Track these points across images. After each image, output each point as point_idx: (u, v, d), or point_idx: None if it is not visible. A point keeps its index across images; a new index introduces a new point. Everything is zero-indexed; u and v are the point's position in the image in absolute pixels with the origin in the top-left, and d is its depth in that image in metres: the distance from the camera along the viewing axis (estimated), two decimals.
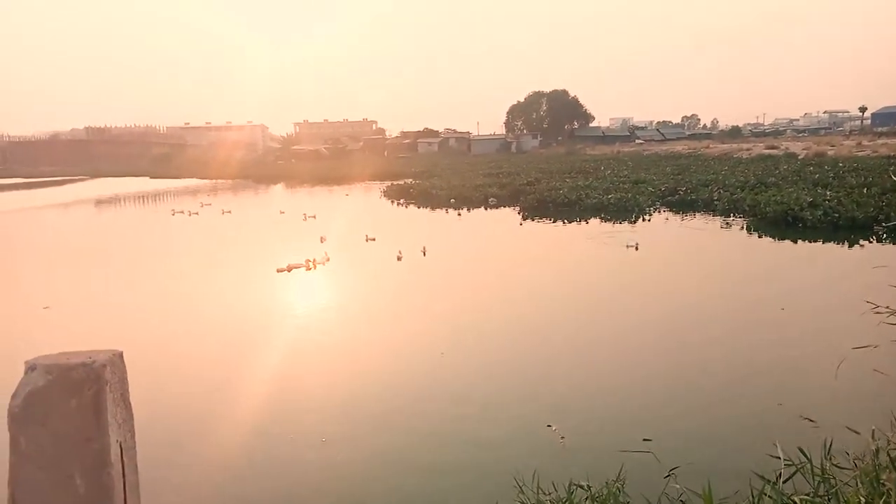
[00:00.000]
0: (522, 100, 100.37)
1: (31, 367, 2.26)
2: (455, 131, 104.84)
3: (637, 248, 14.60)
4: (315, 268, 13.79)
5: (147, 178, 63.50)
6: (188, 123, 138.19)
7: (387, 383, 7.23)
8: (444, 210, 26.23)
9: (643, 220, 20.69)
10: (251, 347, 8.66)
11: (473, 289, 11.95)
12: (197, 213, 27.42)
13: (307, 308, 10.78)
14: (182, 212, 27.82)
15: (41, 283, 13.58)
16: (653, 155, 52.44)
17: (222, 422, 6.36)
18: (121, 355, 2.45)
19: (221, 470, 5.45)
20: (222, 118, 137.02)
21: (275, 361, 8.01)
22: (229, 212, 27.83)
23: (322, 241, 17.23)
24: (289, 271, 13.45)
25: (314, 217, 23.53)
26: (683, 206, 22.98)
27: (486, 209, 26.42)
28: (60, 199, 40.52)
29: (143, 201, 36.66)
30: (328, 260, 14.35)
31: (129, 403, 2.48)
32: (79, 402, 2.22)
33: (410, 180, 39.17)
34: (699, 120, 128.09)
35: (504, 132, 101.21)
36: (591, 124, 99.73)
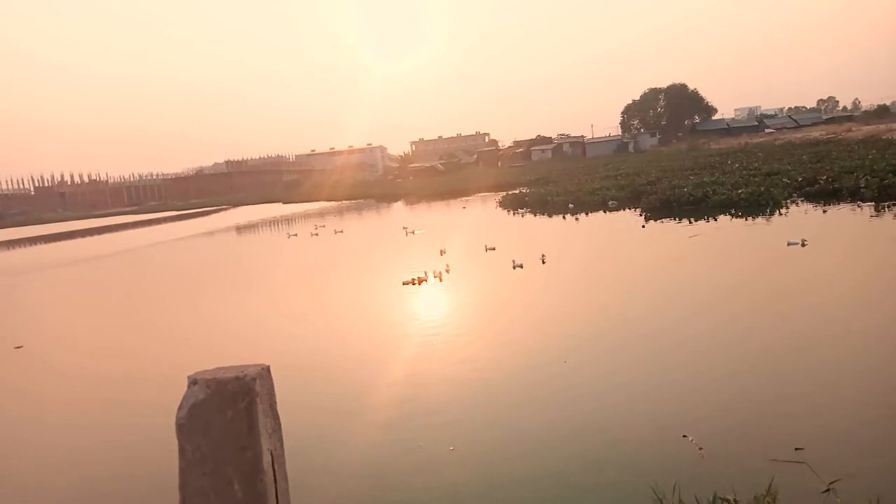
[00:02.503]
0: (637, 98, 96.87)
1: (192, 382, 2.51)
2: (569, 136, 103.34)
3: (803, 245, 13.07)
4: (440, 279, 14.09)
5: (280, 204, 68.00)
6: (314, 150, 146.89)
7: (511, 392, 7.22)
8: (561, 216, 25.86)
9: (779, 213, 19.20)
10: (380, 359, 8.98)
11: (596, 295, 11.66)
12: (317, 234, 28.99)
13: (431, 319, 11.01)
14: (316, 233, 29.52)
15: (194, 303, 14.94)
16: (786, 144, 48.52)
17: (357, 430, 6.65)
18: (268, 369, 2.65)
19: (357, 477, 5.68)
20: (344, 143, 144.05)
21: (403, 372, 8.25)
22: (341, 231, 29.23)
23: (442, 254, 17.58)
24: (413, 284, 13.85)
25: (424, 231, 24.09)
26: (825, 196, 21.03)
27: (605, 212, 25.72)
28: (207, 227, 44.45)
29: (277, 225, 39.31)
30: (448, 271, 14.62)
31: (277, 414, 2.68)
32: (234, 414, 2.43)
33: (525, 189, 39.02)
34: (837, 102, 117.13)
35: (620, 133, 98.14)
36: (714, 117, 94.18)
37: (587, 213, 25.68)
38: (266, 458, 2.43)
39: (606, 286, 12.27)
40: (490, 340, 9.48)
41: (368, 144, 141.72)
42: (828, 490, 3.64)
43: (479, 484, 5.32)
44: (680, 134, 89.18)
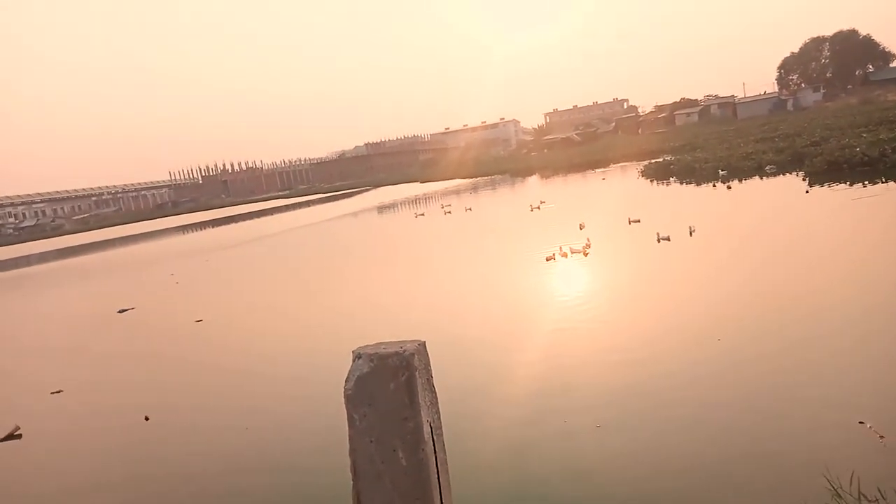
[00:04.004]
0: (797, 50, 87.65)
1: (357, 356, 2.68)
2: (717, 97, 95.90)
3: None
4: (585, 254, 13.85)
5: (417, 183, 70.04)
6: (448, 128, 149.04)
7: (660, 371, 6.94)
8: (710, 184, 24.23)
9: None
10: (524, 335, 9.03)
11: (752, 269, 10.83)
12: (450, 212, 29.47)
13: (574, 295, 10.85)
14: (449, 211, 30.13)
15: (349, 280, 15.91)
16: None
17: (503, 405, 6.76)
18: (424, 345, 2.77)
19: (504, 451, 5.79)
20: (477, 119, 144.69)
21: (547, 348, 8.23)
22: (470, 209, 29.42)
23: (581, 228, 17.21)
24: (552, 259, 13.73)
25: (553, 204, 23.60)
26: None
27: (760, 178, 23.73)
28: (351, 208, 46.93)
29: (415, 204, 40.56)
30: (589, 246, 14.28)
31: (434, 388, 2.79)
32: (395, 386, 2.56)
33: (669, 156, 36.95)
34: None
35: (776, 90, 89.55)
36: (893, 65, 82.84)
37: (740, 180, 23.84)
38: (426, 428, 2.54)
39: (764, 260, 11.35)
40: (636, 317, 9.17)
41: (501, 119, 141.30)
42: None
43: (626, 466, 5.20)
44: (849, 87, 79.61)
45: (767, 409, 5.72)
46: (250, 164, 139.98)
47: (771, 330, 7.69)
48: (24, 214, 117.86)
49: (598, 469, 5.21)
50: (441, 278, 14.45)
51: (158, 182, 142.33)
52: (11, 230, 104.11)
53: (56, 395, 9.62)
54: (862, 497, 3.50)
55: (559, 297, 10.95)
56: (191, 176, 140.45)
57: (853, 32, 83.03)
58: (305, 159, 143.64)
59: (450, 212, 29.75)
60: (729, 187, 22.56)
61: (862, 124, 31.18)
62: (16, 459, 7.52)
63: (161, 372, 10.33)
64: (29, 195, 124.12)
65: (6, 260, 50.56)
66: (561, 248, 14.15)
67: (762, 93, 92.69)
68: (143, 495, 6.09)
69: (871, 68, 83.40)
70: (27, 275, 35.10)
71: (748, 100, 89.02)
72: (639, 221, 16.81)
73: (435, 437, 2.64)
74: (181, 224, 65.92)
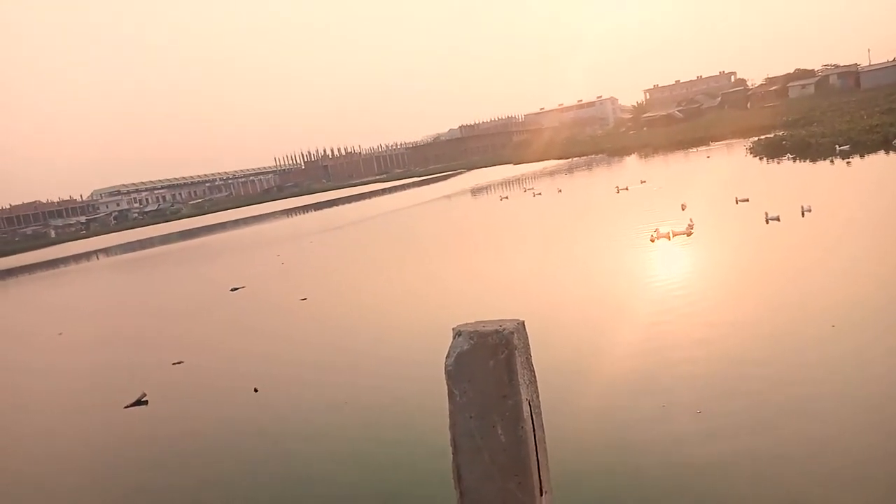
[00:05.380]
0: None
1: (457, 333, 2.74)
2: (837, 66, 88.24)
3: None
4: (689, 234, 13.34)
5: (510, 165, 69.58)
6: (542, 108, 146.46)
7: (766, 357, 6.60)
8: (827, 161, 22.48)
9: None
10: (625, 318, 8.85)
11: (869, 251, 9.99)
12: (540, 194, 29.03)
13: (674, 277, 10.49)
14: (540, 193, 29.76)
15: (447, 261, 16.17)
16: None
17: (603, 387, 6.68)
18: (523, 324, 2.79)
19: (601, 433, 5.74)
20: (573, 97, 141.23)
21: (648, 332, 8.03)
22: (560, 190, 28.77)
23: (683, 209, 16.51)
24: (654, 241, 13.29)
25: (647, 182, 22.65)
26: None
27: (887, 153, 21.74)
28: (445, 191, 47.38)
29: (508, 186, 40.35)
30: (692, 226, 13.68)
31: (533, 367, 2.82)
32: (495, 364, 2.61)
33: (781, 132, 34.57)
34: None
35: None
36: None
37: (862, 156, 21.97)
38: (525, 406, 2.58)
39: (884, 242, 10.43)
40: (739, 302, 8.73)
41: (598, 97, 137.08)
42: None
43: (727, 454, 5.01)
44: None
45: (884, 402, 5.31)
46: (349, 150, 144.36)
47: (891, 316, 7.10)
48: (147, 200, 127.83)
49: (696, 454, 5.06)
50: (540, 260, 14.37)
51: (265, 168, 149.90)
52: (136, 214, 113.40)
53: (177, 365, 10.47)
54: None
55: (658, 280, 10.61)
56: (294, 162, 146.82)
57: None
58: (401, 144, 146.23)
59: (540, 193, 29.42)
60: (849, 163, 20.85)
61: None
62: (143, 424, 8.28)
63: (269, 346, 10.98)
64: (151, 182, 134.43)
65: (133, 242, 55.20)
66: (658, 230, 13.65)
67: (892, 59, 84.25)
68: (249, 462, 6.54)
69: None
70: (151, 255, 38.17)
71: (874, 68, 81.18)
72: (747, 201, 15.91)
73: (534, 415, 2.67)
74: (286, 208, 69.20)
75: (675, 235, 13.38)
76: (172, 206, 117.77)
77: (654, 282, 10.59)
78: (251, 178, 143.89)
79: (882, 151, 22.31)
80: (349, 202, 57.98)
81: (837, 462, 4.61)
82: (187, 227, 63.17)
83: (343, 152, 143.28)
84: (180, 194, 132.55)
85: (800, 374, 6.10)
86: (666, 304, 9.03)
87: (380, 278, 15.62)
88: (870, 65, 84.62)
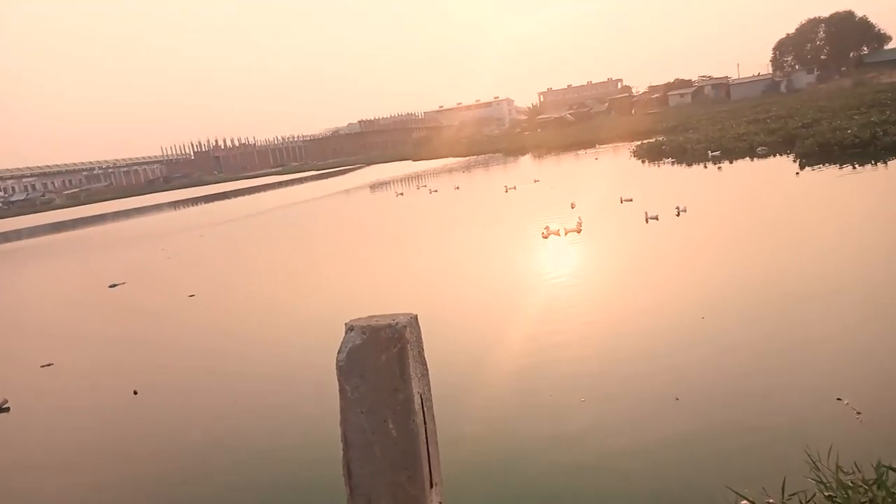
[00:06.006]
0: (793, 31, 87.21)
1: (349, 328, 2.71)
2: (711, 77, 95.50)
3: None
4: (578, 231, 13.95)
5: (410, 162, 69.71)
6: (442, 106, 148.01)
7: (644, 348, 7.05)
8: (702, 165, 24.31)
9: None
10: (514, 313, 9.11)
11: (738, 249, 10.93)
12: (436, 191, 29.43)
13: (563, 272, 10.95)
14: (436, 190, 30.08)
15: (338, 257, 15.93)
16: None
17: (492, 378, 6.86)
18: (416, 318, 2.80)
19: (491, 422, 5.90)
20: (472, 97, 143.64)
21: (536, 325, 8.33)
22: (458, 188, 29.33)
23: (573, 207, 17.25)
24: (544, 238, 13.79)
25: (538, 181, 23.61)
26: None
27: (752, 160, 23.80)
28: (343, 186, 46.75)
29: (411, 182, 40.44)
30: (581, 224, 14.34)
31: (425, 360, 2.84)
32: (387, 358, 2.61)
33: (662, 137, 36.94)
34: None
35: (770, 71, 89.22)
36: (888, 46, 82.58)
37: (731, 161, 23.92)
38: (417, 400, 2.59)
39: (750, 240, 11.45)
40: (621, 295, 9.27)
41: (495, 98, 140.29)
42: None
43: (611, 438, 5.32)
44: (843, 69, 79.36)
45: (750, 386, 5.83)
46: (243, 141, 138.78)
47: (754, 308, 7.81)
48: (13, 188, 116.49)
49: (580, 440, 5.33)
50: (435, 256, 14.50)
51: (150, 158, 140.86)
52: (0, 204, 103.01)
53: (46, 368, 9.64)
54: (839, 470, 3.60)
55: (548, 275, 11.03)
56: (183, 152, 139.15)
57: (849, 14, 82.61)
58: (299, 136, 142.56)
59: (436, 191, 29.75)
60: (720, 168, 22.64)
61: (854, 107, 31.23)
62: (2, 432, 7.57)
63: (152, 346, 10.37)
64: (18, 169, 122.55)
65: None
66: (549, 227, 14.20)
67: (756, 74, 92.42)
68: (128, 470, 6.15)
69: (865, 50, 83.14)
70: (17, 249, 34.88)
71: (742, 81, 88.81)
72: (631, 201, 16.88)
73: (425, 409, 2.69)
74: (173, 200, 65.49)
75: (566, 233, 13.95)
76: (43, 195, 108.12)
77: (544, 277, 11.01)
78: (134, 167, 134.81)
79: (748, 158, 24.39)
80: (243, 195, 55.81)
81: (705, 451, 5.00)
82: (60, 219, 58.24)
83: (236, 143, 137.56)
84: (52, 183, 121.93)
85: (674, 364, 6.54)
86: (555, 298, 9.41)
87: (273, 274, 15.17)
88: (738, 78, 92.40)
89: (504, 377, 6.87)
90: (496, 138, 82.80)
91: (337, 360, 2.70)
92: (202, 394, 7.89)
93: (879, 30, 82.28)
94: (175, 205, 56.60)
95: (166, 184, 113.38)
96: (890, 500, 3.09)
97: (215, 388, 7.95)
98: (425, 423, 2.69)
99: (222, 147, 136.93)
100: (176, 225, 34.54)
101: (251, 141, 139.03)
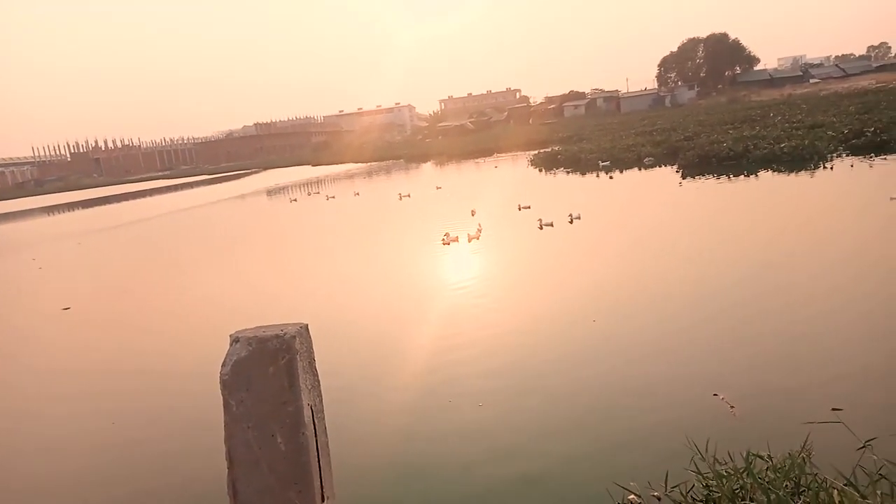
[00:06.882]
0: (675, 49, 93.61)
1: (234, 340, 2.58)
2: (602, 91, 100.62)
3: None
4: (478, 238, 14.13)
5: (309, 166, 68.28)
6: (342, 111, 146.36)
7: (540, 351, 7.26)
8: (594, 174, 25.47)
9: (824, 167, 18.61)
10: (412, 319, 9.09)
11: (627, 254, 11.54)
12: (334, 197, 29.09)
13: (462, 280, 11.06)
14: (334, 196, 29.66)
15: (230, 265, 15.26)
16: (831, 95, 46.70)
17: (391, 386, 6.80)
18: (306, 328, 2.71)
19: (391, 430, 5.84)
20: (373, 103, 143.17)
21: (434, 331, 8.35)
22: (358, 194, 29.19)
23: (473, 215, 17.53)
24: (445, 245, 13.90)
25: (440, 187, 23.95)
26: (871, 149, 20.30)
27: (640, 170, 25.23)
28: (238, 191, 45.01)
29: (307, 188, 39.57)
30: (480, 231, 14.59)
31: (316, 371, 2.75)
32: (275, 370, 2.50)
33: (558, 146, 38.40)
34: (889, 48, 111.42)
35: (656, 87, 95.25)
36: (756, 67, 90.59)
37: (622, 171, 25.22)
38: (307, 412, 2.50)
39: (638, 245, 12.12)
40: (519, 301, 9.50)
41: (396, 104, 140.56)
42: (864, 447, 3.61)
43: (508, 439, 5.41)
44: (720, 86, 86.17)
45: (634, 382, 6.14)
46: (126, 142, 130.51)
47: (641, 310, 8.25)
48: None
49: (478, 446, 5.37)
50: (330, 263, 14.23)
51: (19, 158, 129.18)
52: None
53: None
54: (715, 460, 3.85)
55: (447, 282, 11.12)
56: (58, 153, 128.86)
57: (724, 36, 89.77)
58: (189, 138, 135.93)
59: (333, 197, 29.36)
60: (611, 177, 23.82)
61: (729, 122, 33.96)
62: None
63: (24, 360, 9.46)
64: None
65: None
66: (448, 234, 14.34)
67: (644, 88, 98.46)
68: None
69: (738, 70, 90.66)
70: None
71: (631, 95, 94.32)
72: (529, 208, 17.37)
73: (316, 421, 2.60)
74: (47, 205, 60.37)
75: (470, 240, 14.13)
76: None
77: (444, 283, 11.08)
78: (0, 169, 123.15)
79: (636, 168, 25.83)
80: (126, 199, 52.41)
81: (594, 449, 5.19)
82: None
83: (119, 144, 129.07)
84: None
85: (567, 367, 6.77)
86: (453, 305, 9.49)
87: (159, 283, 14.30)
88: (628, 92, 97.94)
89: (403, 384, 6.83)
90: (398, 144, 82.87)
91: (221, 374, 2.56)
92: (78, 410, 7.27)
93: (749, 52, 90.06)
94: (49, 210, 52.22)
95: (38, 187, 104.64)
96: (757, 485, 3.32)
97: (92, 406, 7.35)
98: (316, 435, 2.61)
99: (103, 148, 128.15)
100: (49, 232, 31.84)
101: (135, 142, 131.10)
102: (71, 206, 53.21)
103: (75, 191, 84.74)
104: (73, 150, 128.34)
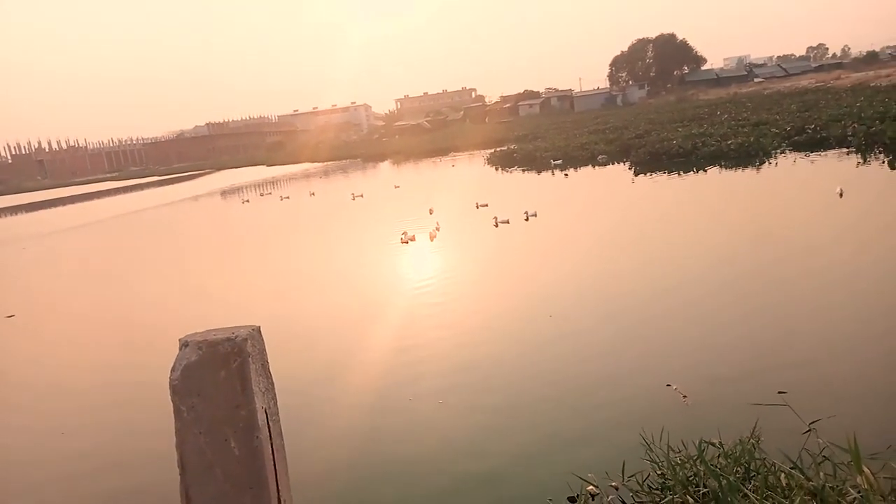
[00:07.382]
0: (626, 49, 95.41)
1: (184, 344, 2.51)
2: (556, 90, 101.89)
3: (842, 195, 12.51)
4: (434, 237, 14.13)
5: (263, 167, 67.18)
6: (297, 110, 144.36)
7: (497, 347, 7.34)
8: (549, 172, 25.78)
9: (769, 164, 19.27)
10: (370, 318, 9.04)
11: (581, 250, 11.73)
12: (288, 198, 28.75)
13: (420, 278, 11.06)
14: (288, 196, 29.28)
15: (182, 268, 14.89)
16: (774, 94, 48.38)
17: (350, 386, 6.76)
18: (259, 330, 2.66)
19: (351, 430, 5.80)
20: (328, 102, 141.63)
21: (393, 330, 8.33)
22: (314, 194, 28.89)
23: (431, 213, 17.53)
24: (403, 243, 13.86)
25: (398, 186, 23.93)
26: (812, 145, 21.13)
27: (593, 167, 25.67)
28: (191, 192, 43.96)
29: (261, 188, 38.93)
30: (438, 229, 14.61)
31: (270, 373, 2.70)
32: (227, 374, 2.44)
33: (514, 145, 38.72)
34: (827, 49, 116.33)
35: (608, 86, 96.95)
36: (704, 67, 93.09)
37: (576, 169, 25.60)
38: (261, 415, 2.46)
39: (592, 241, 12.34)
40: (476, 298, 9.55)
41: (352, 103, 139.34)
42: (808, 430, 3.76)
43: (468, 436, 5.44)
44: (669, 85, 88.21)
45: (589, 375, 6.26)
46: (72, 143, 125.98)
47: (595, 304, 8.41)
48: None
49: (439, 444, 5.37)
50: (286, 265, 14.03)
51: None
52: None
53: None
54: (670, 449, 3.94)
55: (406, 280, 11.10)
56: None
57: (672, 36, 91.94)
58: (137, 139, 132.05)
59: (288, 197, 28.98)
60: (566, 175, 24.16)
61: (678, 120, 34.84)
62: None
63: None
64: None
65: None
66: (407, 232, 14.32)
67: (596, 88, 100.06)
68: None
69: (686, 70, 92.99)
70: None
71: (584, 94, 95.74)
72: (486, 206, 17.47)
73: (271, 424, 2.56)
74: None
75: (432, 238, 14.13)
76: None
77: (402, 281, 11.06)
78: None
79: (590, 165, 26.26)
80: (74, 202, 50.60)
81: (554, 442, 5.25)
82: None
83: (64, 145, 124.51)
84: None
85: (525, 364, 6.84)
86: (410, 304, 9.47)
87: (106, 289, 13.86)
88: (581, 91, 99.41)
89: (362, 385, 6.78)
90: (355, 144, 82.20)
91: (171, 380, 2.49)
92: (24, 422, 6.99)
93: (696, 52, 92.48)
94: None
95: None
96: (709, 471, 3.42)
97: (38, 416, 7.08)
98: (271, 438, 2.56)
99: (47, 150, 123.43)
100: None
101: (82, 143, 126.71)
102: (14, 210, 51.07)
103: (18, 194, 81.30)
104: (13, 152, 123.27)
